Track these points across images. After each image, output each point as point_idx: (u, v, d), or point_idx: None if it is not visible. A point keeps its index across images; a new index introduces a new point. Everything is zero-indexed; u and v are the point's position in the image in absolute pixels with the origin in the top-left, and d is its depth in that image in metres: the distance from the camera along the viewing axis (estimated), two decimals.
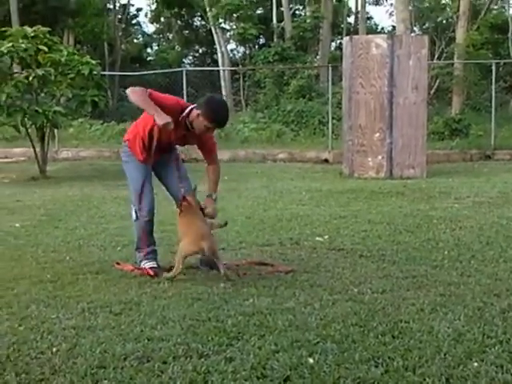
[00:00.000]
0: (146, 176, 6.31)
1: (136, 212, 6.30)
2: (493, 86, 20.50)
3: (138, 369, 3.86)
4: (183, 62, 38.52)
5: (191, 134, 6.15)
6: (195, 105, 6.06)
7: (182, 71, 21.99)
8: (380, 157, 14.65)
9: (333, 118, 20.45)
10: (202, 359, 4.00)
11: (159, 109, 5.77)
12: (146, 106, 5.82)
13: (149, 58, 42.64)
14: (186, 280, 5.92)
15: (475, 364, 3.87)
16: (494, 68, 20.51)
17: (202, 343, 4.25)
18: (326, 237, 7.84)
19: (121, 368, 3.88)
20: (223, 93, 28.39)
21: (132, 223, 6.49)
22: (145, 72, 30.72)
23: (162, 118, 5.71)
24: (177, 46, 41.53)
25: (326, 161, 19.30)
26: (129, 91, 5.91)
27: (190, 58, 41.76)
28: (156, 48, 44.21)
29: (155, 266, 6.23)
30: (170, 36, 44.01)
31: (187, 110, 6.02)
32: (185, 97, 20.96)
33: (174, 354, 4.06)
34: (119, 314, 4.97)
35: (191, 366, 3.88)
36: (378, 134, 14.59)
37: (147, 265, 6.22)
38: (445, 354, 4.01)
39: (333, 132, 20.13)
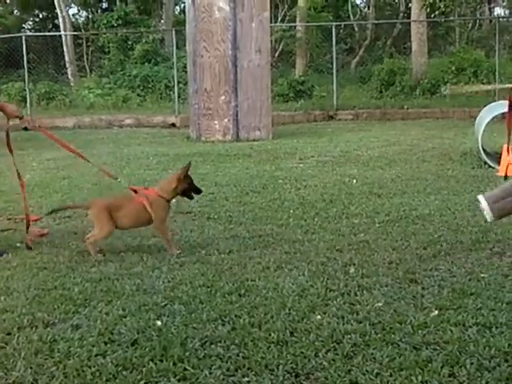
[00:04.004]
0: None
1: None
2: (333, 48, 20.98)
3: None
4: (23, 28, 37.15)
5: None
6: None
7: (21, 37, 21.20)
8: (226, 120, 14.74)
9: (179, 83, 20.39)
10: (48, 328, 3.93)
11: None
12: None
13: None
14: (32, 250, 5.78)
15: (318, 317, 4.00)
16: (334, 30, 20.98)
17: (48, 312, 4.18)
18: (174, 200, 7.82)
19: None
20: (66, 59, 27.66)
21: None
22: None
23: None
24: (15, 11, 39.98)
25: (174, 125, 19.24)
26: None
27: (31, 23, 40.29)
28: None
29: None
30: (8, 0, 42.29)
31: None
32: (25, 63, 20.32)
33: (18, 325, 3.97)
34: None
35: (37, 335, 3.81)
36: (223, 97, 14.66)
37: None
38: (289, 309, 4.13)
39: (179, 96, 20.07)
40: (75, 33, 30.03)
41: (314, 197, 7.92)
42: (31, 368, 3.41)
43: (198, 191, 5.87)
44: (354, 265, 5.07)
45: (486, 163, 9.72)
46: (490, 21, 32.50)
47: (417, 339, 3.63)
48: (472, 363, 3.34)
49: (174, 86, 20.58)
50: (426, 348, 3.53)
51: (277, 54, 29.85)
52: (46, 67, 26.42)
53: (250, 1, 14.86)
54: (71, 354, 3.55)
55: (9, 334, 3.87)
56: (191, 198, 5.90)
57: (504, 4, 35.25)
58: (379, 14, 33.62)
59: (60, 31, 29.29)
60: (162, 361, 3.44)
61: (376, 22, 31.24)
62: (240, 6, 14.46)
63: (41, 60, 25.85)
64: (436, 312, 4.02)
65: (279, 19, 31.86)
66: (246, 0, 14.90)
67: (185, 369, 3.36)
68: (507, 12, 35.08)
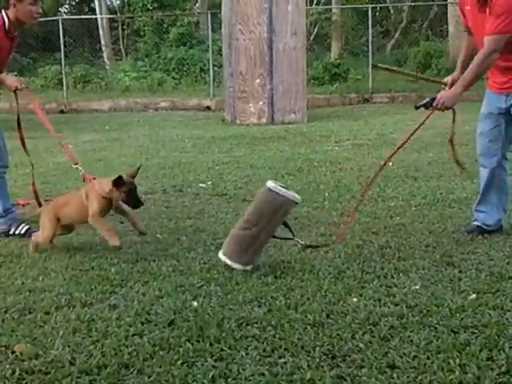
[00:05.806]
0: None
1: None
2: (369, 31, 20.83)
3: (19, 321, 3.80)
4: (59, 11, 37.32)
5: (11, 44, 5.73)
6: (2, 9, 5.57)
7: (58, 20, 21.35)
8: (261, 103, 14.72)
9: (214, 66, 20.38)
10: (86, 308, 3.97)
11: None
12: None
13: None
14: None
15: (354, 299, 3.99)
16: (370, 13, 20.82)
17: (85, 292, 4.21)
18: (209, 183, 7.86)
19: (1, 321, 3.81)
20: (102, 42, 27.76)
21: None
22: None
23: (11, 81, 5.54)
24: None
25: (209, 108, 19.26)
26: None
27: (67, 6, 40.44)
28: None
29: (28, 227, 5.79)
30: None
31: (3, 17, 5.53)
32: (62, 46, 20.46)
33: (56, 304, 4.01)
34: None
35: (74, 314, 3.84)
36: (258, 80, 14.63)
37: (24, 229, 5.77)
38: (325, 291, 4.12)
39: (214, 79, 20.07)
40: (111, 16, 30.05)
41: (350, 180, 7.89)
42: (69, 346, 3.44)
43: (137, 205, 5.10)
44: (391, 247, 5.05)
45: None
46: None
47: (454, 322, 3.61)
48: (511, 347, 3.30)
49: (209, 69, 20.59)
50: (464, 331, 3.50)
51: (312, 37, 29.68)
52: (82, 50, 26.58)
53: None
54: (109, 334, 3.58)
55: (47, 313, 3.91)
56: (134, 207, 5.12)
57: None
58: None
59: (96, 14, 29.39)
60: (198, 341, 3.45)
61: (412, 4, 30.90)
62: None
63: (77, 43, 26.00)
64: (474, 295, 3.99)
65: (315, 2, 31.66)
66: None
67: (221, 349, 3.37)
68: None
